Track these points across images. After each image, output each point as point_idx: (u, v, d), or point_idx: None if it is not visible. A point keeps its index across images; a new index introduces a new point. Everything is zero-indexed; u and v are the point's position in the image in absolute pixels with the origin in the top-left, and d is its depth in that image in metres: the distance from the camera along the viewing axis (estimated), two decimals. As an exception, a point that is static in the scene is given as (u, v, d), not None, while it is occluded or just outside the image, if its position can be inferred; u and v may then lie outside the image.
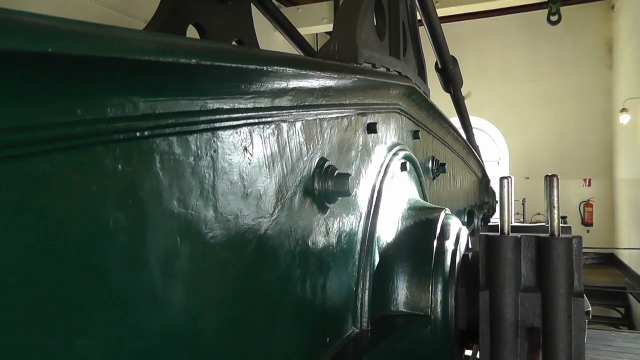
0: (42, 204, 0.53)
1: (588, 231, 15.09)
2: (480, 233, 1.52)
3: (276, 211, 1.05)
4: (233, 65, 0.80)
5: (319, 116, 1.27)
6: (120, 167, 0.64)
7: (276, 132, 1.05)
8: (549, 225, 1.41)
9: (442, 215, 1.79)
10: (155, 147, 0.70)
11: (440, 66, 4.09)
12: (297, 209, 1.13)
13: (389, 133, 1.91)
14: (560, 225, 1.41)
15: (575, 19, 14.98)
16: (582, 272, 1.37)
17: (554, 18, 12.57)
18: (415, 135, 2.30)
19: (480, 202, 6.21)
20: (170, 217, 0.74)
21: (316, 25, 12.72)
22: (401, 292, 1.59)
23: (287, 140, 1.10)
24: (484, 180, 6.37)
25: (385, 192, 1.69)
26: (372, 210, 1.61)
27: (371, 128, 1.64)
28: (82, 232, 0.59)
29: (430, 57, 3.13)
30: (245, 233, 0.93)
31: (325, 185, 1.22)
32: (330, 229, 1.34)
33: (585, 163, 15.60)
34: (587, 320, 1.41)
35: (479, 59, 16.29)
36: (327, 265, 1.31)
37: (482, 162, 5.94)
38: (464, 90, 4.54)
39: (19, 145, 0.50)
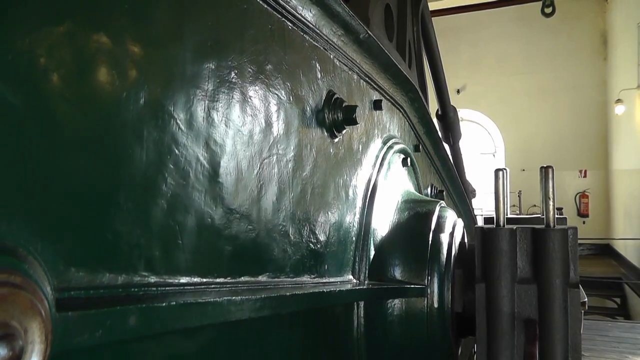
0: None
1: (584, 222, 15.15)
2: (476, 226, 1.52)
3: (291, 98, 1.10)
4: None
5: (332, 54, 1.34)
6: None
7: (298, 39, 1.14)
8: (544, 216, 1.41)
9: (438, 208, 1.80)
10: None
11: (440, 112, 4.09)
12: (309, 118, 1.19)
13: (393, 125, 1.93)
14: (556, 216, 1.41)
15: (569, 11, 14.96)
16: (578, 263, 1.37)
17: (548, 10, 12.57)
18: (416, 148, 2.32)
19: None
20: (201, 28, 0.80)
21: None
22: (398, 262, 1.61)
23: (305, 53, 1.18)
24: None
25: (386, 162, 1.75)
26: (377, 171, 1.66)
27: (377, 105, 1.67)
28: None
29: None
30: (264, 96, 0.98)
31: (335, 115, 1.30)
32: (337, 163, 1.37)
33: (581, 154, 15.63)
34: (583, 311, 1.41)
35: (474, 51, 16.25)
36: (330, 195, 1.33)
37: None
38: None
39: None
